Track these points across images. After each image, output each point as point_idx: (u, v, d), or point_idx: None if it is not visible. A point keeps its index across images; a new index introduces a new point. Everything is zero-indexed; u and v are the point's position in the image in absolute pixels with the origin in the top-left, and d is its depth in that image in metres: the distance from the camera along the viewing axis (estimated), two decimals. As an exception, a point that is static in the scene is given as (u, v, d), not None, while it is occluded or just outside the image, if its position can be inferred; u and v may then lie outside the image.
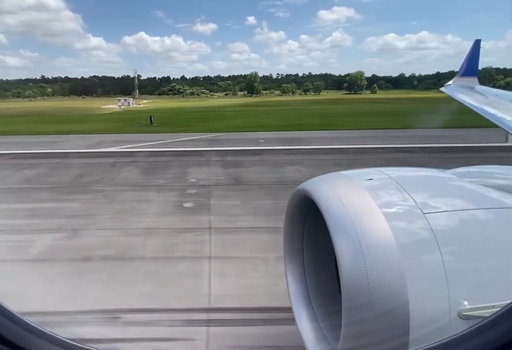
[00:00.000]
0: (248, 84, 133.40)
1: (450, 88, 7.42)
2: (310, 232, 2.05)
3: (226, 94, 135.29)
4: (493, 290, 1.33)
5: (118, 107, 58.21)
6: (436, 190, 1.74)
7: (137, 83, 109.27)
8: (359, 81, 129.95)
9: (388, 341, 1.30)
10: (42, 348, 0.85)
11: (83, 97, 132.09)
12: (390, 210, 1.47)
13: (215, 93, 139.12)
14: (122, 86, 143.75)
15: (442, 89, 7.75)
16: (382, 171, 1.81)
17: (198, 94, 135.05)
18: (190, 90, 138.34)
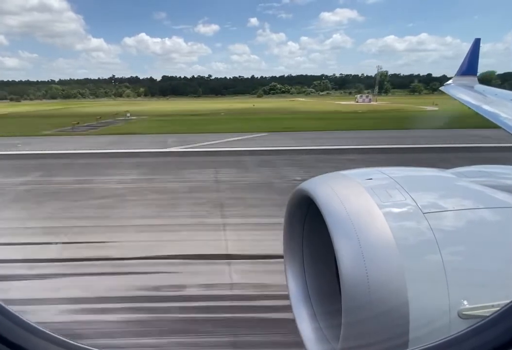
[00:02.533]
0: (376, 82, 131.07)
1: (450, 87, 7.41)
2: (310, 232, 2.05)
3: (349, 93, 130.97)
4: (493, 289, 1.33)
5: (357, 103, 59.56)
6: (436, 190, 1.74)
7: (378, 80, 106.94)
8: (493, 81, 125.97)
9: (388, 340, 1.31)
10: (43, 348, 0.85)
11: (195, 97, 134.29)
12: (389, 210, 1.48)
13: (321, 92, 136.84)
14: (208, 86, 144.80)
15: (441, 88, 7.75)
16: (382, 171, 1.81)
17: (308, 93, 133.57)
18: (294, 90, 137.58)
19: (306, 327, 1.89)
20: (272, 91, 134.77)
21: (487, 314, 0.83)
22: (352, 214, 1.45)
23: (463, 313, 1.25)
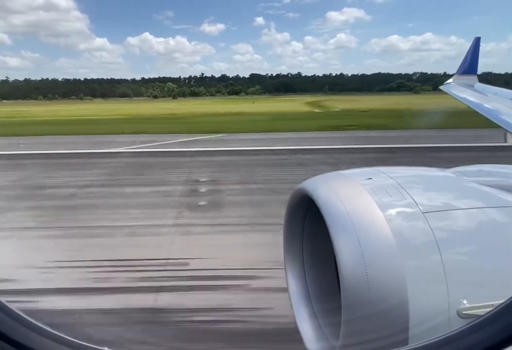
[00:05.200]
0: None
1: (450, 86, 7.41)
2: (309, 232, 2.06)
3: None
4: (492, 289, 1.34)
5: None
6: (435, 189, 1.74)
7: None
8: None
9: (387, 338, 1.31)
10: (46, 346, 0.86)
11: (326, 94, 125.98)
12: (389, 210, 1.48)
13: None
14: (313, 84, 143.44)
15: (441, 87, 7.75)
16: (381, 171, 1.81)
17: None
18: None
19: (305, 326, 1.89)
20: (402, 89, 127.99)
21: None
22: (352, 214, 1.46)
23: (463, 312, 1.26)
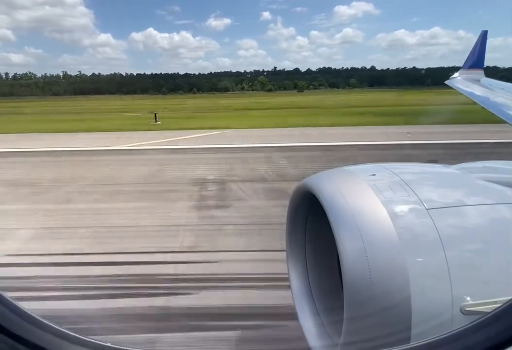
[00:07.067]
0: None
1: (456, 81, 7.32)
2: (312, 228, 2.05)
3: None
4: (496, 285, 1.33)
5: None
6: (439, 186, 1.73)
7: None
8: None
9: (390, 335, 1.31)
10: (49, 342, 0.87)
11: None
12: (393, 206, 1.47)
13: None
14: (400, 78, 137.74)
15: (447, 82, 7.65)
16: (385, 167, 1.80)
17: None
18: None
19: (308, 323, 1.90)
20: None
21: (490, 310, 0.83)
22: (355, 210, 1.45)
23: (466, 309, 1.25)
